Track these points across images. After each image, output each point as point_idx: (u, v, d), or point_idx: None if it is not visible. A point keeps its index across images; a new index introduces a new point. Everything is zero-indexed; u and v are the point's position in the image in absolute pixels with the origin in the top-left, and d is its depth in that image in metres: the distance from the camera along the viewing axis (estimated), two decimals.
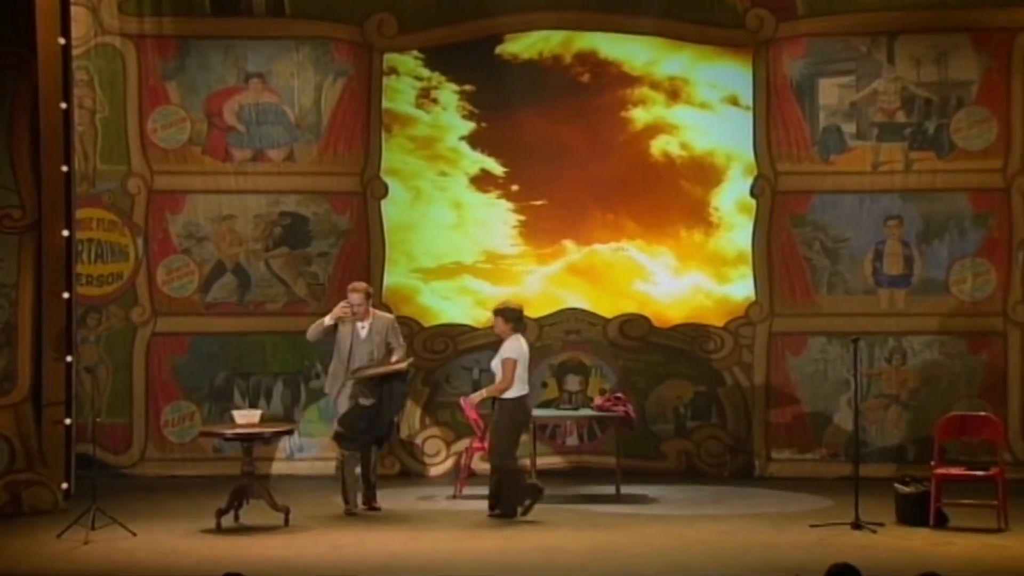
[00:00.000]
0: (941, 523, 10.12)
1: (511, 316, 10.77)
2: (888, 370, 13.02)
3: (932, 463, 10.30)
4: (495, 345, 13.09)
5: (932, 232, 13.03)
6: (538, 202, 13.38)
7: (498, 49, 13.34)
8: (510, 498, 10.54)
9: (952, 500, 10.21)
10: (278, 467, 12.91)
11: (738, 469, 13.06)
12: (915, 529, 10.03)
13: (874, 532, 9.92)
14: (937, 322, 12.99)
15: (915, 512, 10.21)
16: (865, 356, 12.74)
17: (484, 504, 11.21)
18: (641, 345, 13.28)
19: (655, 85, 13.34)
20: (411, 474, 13.07)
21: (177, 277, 13.20)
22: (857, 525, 10.00)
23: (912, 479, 10.48)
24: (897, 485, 10.47)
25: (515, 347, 10.74)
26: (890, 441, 12.93)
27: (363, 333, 10.96)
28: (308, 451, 13.06)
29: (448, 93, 13.38)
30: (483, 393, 10.83)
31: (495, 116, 13.33)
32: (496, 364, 10.76)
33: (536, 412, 12.29)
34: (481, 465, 12.22)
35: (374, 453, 10.99)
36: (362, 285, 11.18)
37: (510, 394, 10.67)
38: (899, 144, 13.06)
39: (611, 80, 13.33)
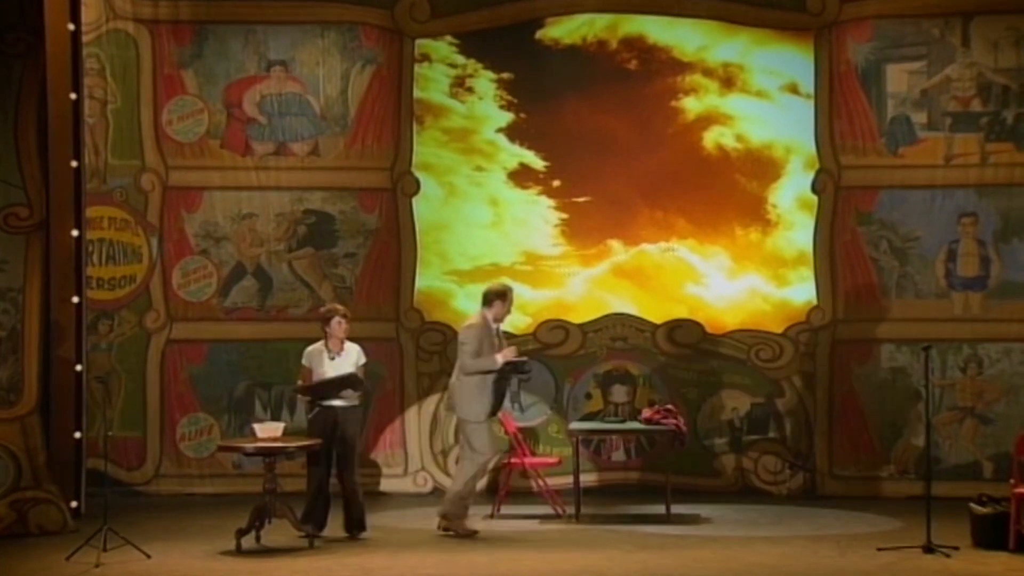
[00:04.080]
0: (1022, 547, 10.03)
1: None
2: (963, 380, 12.94)
3: (1011, 481, 10.22)
4: (538, 353, 13.15)
5: (1010, 230, 12.95)
6: (581, 199, 13.38)
7: (538, 34, 13.35)
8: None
9: None
10: (302, 484, 12.92)
11: (799, 487, 13.01)
12: (993, 553, 9.95)
13: (948, 556, 9.84)
14: (1016, 328, 12.90)
15: (993, 535, 10.13)
16: (937, 365, 12.69)
17: (525, 524, 11.24)
18: (693, 353, 13.24)
19: (708, 72, 13.31)
20: (444, 492, 13.05)
21: (194, 280, 13.27)
22: (929, 548, 9.93)
23: (989, 499, 10.40)
24: (973, 505, 10.39)
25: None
26: (965, 457, 12.85)
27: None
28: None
29: (484, 82, 13.40)
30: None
31: (535, 106, 13.34)
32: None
33: (580, 425, 12.31)
34: (520, 482, 12.23)
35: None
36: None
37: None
38: (974, 135, 13.00)
39: (660, 67, 13.32)
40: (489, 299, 10.89)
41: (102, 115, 13.08)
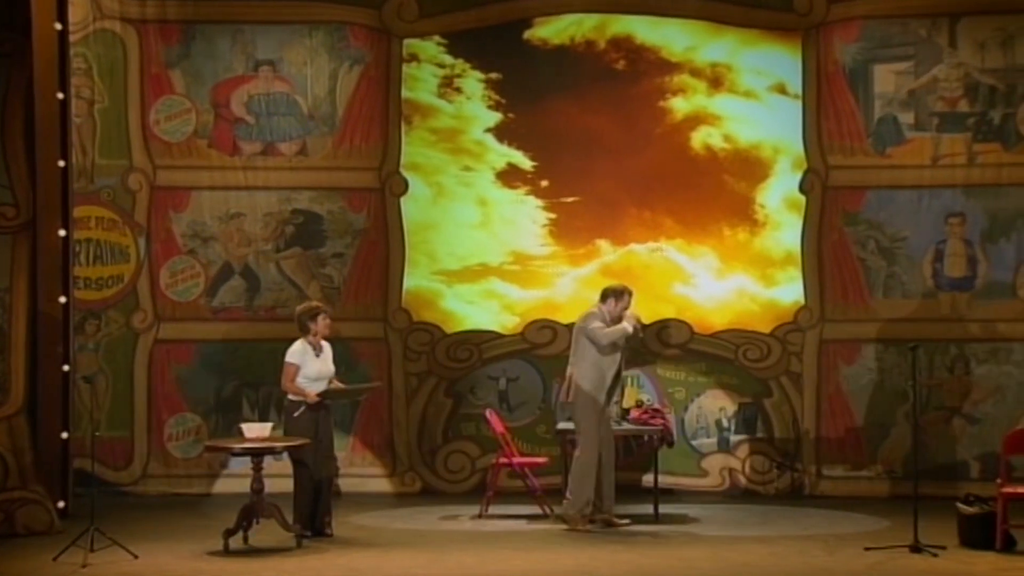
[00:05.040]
0: (1008, 546, 10.06)
1: None
2: (950, 380, 12.96)
3: (998, 481, 10.24)
4: (525, 352, 13.12)
5: (997, 230, 12.97)
6: (569, 199, 13.38)
7: (526, 34, 13.35)
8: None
9: (1020, 522, 10.13)
10: (290, 484, 12.90)
11: (786, 487, 13.03)
12: (980, 553, 9.97)
13: (935, 556, 9.86)
14: (1003, 328, 12.92)
15: (980, 534, 10.15)
16: (924, 365, 12.69)
17: (513, 524, 11.24)
18: (681, 353, 13.26)
19: (696, 72, 13.33)
20: (434, 492, 13.06)
21: (181, 280, 13.25)
22: (916, 548, 9.95)
23: (976, 498, 10.42)
24: (960, 505, 10.41)
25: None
26: (952, 457, 12.86)
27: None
28: None
29: (472, 81, 13.39)
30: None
31: (523, 106, 13.34)
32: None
33: (568, 425, 12.29)
34: (509, 482, 12.23)
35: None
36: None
37: None
38: (961, 135, 13.02)
39: (648, 67, 13.33)
40: (604, 296, 11.21)
41: (89, 115, 13.06)
